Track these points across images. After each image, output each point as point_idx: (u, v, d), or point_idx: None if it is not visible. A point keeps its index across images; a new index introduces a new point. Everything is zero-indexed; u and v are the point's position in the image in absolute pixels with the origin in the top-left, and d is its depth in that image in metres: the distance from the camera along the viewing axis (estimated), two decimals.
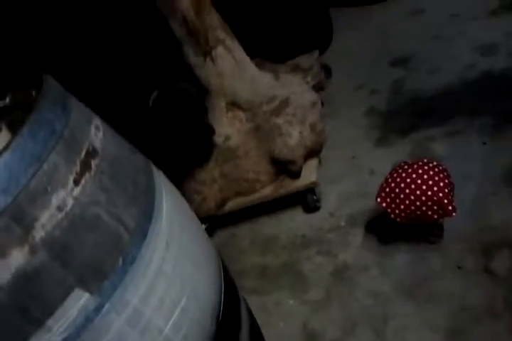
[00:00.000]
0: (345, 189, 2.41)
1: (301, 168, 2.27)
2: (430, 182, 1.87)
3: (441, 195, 1.86)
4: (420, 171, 1.90)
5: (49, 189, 0.93)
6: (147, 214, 1.11)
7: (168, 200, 1.20)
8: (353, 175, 2.44)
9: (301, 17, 3.00)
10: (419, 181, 1.88)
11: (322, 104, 2.97)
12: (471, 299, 1.78)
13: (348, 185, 2.42)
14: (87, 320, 0.96)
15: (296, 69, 2.58)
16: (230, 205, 2.38)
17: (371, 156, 2.51)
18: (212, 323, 1.22)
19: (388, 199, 1.93)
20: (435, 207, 1.87)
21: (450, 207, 1.86)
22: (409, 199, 1.89)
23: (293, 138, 2.22)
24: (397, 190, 1.91)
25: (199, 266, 1.24)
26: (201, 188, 2.30)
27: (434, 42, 2.98)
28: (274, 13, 2.89)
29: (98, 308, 0.97)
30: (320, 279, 2.11)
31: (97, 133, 1.09)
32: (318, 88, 2.64)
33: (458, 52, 2.83)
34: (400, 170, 1.94)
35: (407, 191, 1.89)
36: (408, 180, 1.90)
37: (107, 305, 0.98)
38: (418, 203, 1.88)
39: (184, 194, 2.37)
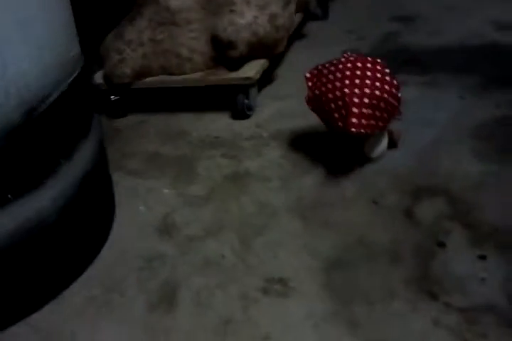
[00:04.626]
0: (286, 107, 2.05)
1: (241, 56, 1.90)
2: (357, 81, 1.49)
3: (356, 100, 1.46)
4: (359, 64, 1.53)
5: None
6: None
7: None
8: (302, 96, 2.07)
9: None
10: (347, 72, 1.51)
11: (303, 35, 2.66)
12: (374, 237, 1.39)
13: (291, 104, 2.05)
14: None
15: None
16: (150, 80, 2.00)
17: None
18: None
19: (315, 79, 1.58)
20: (342, 112, 1.49)
21: (353, 120, 1.46)
22: (328, 89, 1.53)
23: (244, 18, 1.86)
24: (325, 72, 1.56)
25: None
26: (124, 47, 1.93)
27: (447, 12, 2.68)
28: None
29: None
30: (210, 178, 1.73)
31: None
32: (301, 8, 2.30)
33: (469, 22, 2.52)
34: (344, 58, 1.58)
35: (332, 77, 1.53)
36: (341, 67, 1.53)
37: None
38: (331, 96, 1.52)
39: (104, 49, 2.04)
